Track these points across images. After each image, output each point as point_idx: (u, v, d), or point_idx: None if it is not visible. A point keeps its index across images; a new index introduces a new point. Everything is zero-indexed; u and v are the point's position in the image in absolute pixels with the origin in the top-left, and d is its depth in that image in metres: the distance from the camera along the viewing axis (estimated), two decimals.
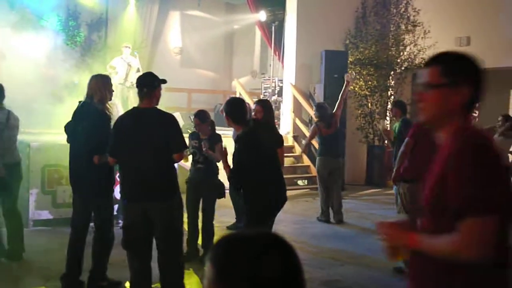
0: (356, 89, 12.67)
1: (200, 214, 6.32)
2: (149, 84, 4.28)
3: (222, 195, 6.36)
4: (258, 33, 16.00)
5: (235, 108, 4.64)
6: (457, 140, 1.93)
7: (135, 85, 4.53)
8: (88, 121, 4.88)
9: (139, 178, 4.17)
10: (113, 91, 5.25)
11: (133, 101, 11.33)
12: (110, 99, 5.16)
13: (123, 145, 4.23)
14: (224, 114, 4.60)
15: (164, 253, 4.33)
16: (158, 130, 4.22)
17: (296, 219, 8.59)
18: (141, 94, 4.26)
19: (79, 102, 5.14)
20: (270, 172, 4.59)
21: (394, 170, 6.16)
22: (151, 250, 4.39)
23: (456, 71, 1.99)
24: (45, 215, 7.54)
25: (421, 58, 12.78)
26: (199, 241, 6.31)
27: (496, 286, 1.89)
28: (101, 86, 5.03)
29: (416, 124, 5.93)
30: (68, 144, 5.27)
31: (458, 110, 2.00)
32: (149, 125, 4.23)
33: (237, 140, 4.55)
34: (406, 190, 5.94)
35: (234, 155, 4.47)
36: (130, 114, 4.37)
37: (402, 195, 6.07)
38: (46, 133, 9.30)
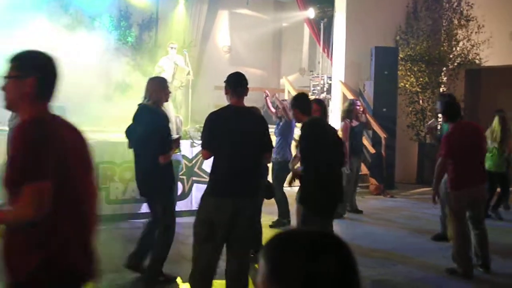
0: (407, 85, 12.45)
1: None
2: (244, 82, 4.42)
3: (270, 195, 6.36)
4: (306, 31, 15.93)
5: (304, 101, 5.11)
6: (18, 126, 2.42)
7: (182, 84, 4.66)
8: (147, 123, 5.04)
9: (238, 173, 4.21)
10: (170, 92, 5.39)
11: (182, 101, 11.48)
12: (167, 101, 5.34)
13: (222, 140, 4.25)
14: (292, 108, 4.98)
15: (239, 250, 4.32)
16: (256, 128, 4.38)
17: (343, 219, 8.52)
18: (235, 92, 4.37)
19: (138, 105, 5.26)
20: (333, 165, 4.95)
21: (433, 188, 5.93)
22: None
23: (23, 66, 2.52)
24: (99, 211, 7.70)
25: (475, 53, 12.45)
26: None
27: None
28: (156, 88, 5.19)
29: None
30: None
31: (26, 98, 2.47)
32: (249, 122, 4.37)
33: (303, 126, 4.92)
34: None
35: (300, 143, 4.80)
36: (228, 111, 4.39)
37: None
38: (99, 131, 9.53)
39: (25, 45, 9.22)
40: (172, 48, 11.69)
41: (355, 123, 8.70)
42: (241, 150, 4.23)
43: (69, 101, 10.51)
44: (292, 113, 5.21)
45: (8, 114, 5.74)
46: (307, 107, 5.12)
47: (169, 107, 7.15)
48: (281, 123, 7.93)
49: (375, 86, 11.71)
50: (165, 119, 5.17)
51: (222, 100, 4.65)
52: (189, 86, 11.50)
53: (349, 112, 8.74)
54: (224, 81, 4.45)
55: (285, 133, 7.87)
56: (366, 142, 11.79)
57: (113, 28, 13.13)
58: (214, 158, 4.35)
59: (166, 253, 5.25)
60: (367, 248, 6.69)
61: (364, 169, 11.55)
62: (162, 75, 11.24)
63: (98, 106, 10.77)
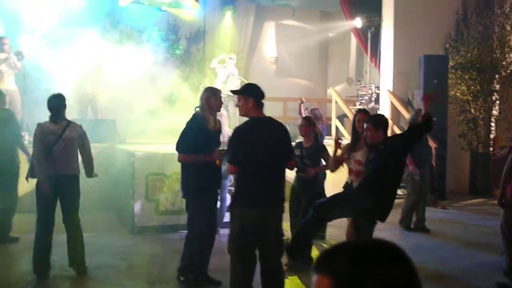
0: (458, 94, 12.18)
1: None
2: (262, 95, 4.48)
3: None
4: (353, 40, 15.82)
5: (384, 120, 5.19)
6: None
7: (228, 96, 4.77)
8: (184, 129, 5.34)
9: (265, 183, 4.29)
10: (222, 103, 5.50)
11: (234, 111, 11.54)
12: (218, 110, 5.48)
13: (249, 153, 4.33)
14: (371, 126, 4.97)
15: (270, 259, 4.37)
16: (280, 138, 4.45)
17: (393, 228, 8.36)
18: (259, 104, 4.43)
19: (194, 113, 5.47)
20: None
21: (500, 192, 5.71)
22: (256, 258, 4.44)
23: None
24: (149, 222, 7.84)
25: None
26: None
27: None
28: (203, 97, 5.36)
29: None
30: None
31: None
32: (273, 133, 4.44)
33: (388, 144, 4.97)
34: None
35: (379, 160, 4.86)
36: (252, 124, 4.46)
37: (502, 224, 5.67)
38: (148, 143, 9.71)
39: (78, 60, 9.54)
40: (230, 59, 11.80)
41: None
42: (267, 161, 4.30)
43: (120, 114, 10.83)
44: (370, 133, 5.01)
45: None
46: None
47: (222, 119, 7.22)
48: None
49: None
50: (196, 125, 5.30)
51: (269, 111, 4.67)
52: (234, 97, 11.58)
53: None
54: (242, 93, 4.51)
55: None
56: None
57: (162, 41, 13.39)
58: (241, 171, 4.41)
59: (190, 261, 5.38)
60: (417, 260, 6.53)
61: None
62: (216, 82, 11.39)
63: (147, 119, 10.98)
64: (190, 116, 5.47)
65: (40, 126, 5.82)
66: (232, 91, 4.63)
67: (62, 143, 5.70)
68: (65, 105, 5.89)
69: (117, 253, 6.72)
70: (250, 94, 4.44)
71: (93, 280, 5.72)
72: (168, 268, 5.81)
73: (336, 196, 5.45)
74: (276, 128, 4.50)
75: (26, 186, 8.27)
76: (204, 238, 5.43)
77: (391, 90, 12.13)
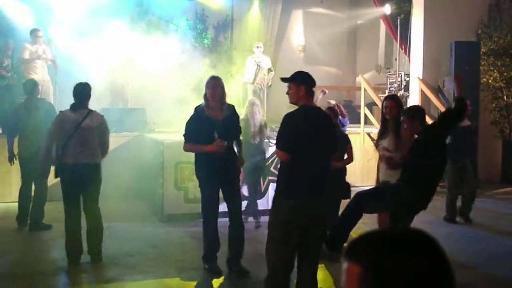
0: (490, 81, 11.94)
1: None
2: (313, 83, 4.38)
3: (348, 196, 6.29)
4: (382, 27, 15.63)
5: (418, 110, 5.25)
6: None
7: (265, 85, 4.71)
8: (193, 120, 5.62)
9: (314, 174, 4.20)
10: (215, 89, 5.51)
11: (263, 101, 11.52)
12: (212, 98, 5.49)
13: (301, 141, 4.19)
14: (406, 118, 5.07)
15: (311, 252, 4.30)
16: (328, 128, 4.35)
17: (425, 218, 8.25)
18: (310, 93, 4.33)
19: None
20: None
21: None
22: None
23: None
24: (178, 210, 7.91)
25: None
26: None
27: None
28: (205, 85, 5.60)
29: None
30: None
31: None
32: (323, 123, 4.34)
33: (424, 133, 4.98)
34: None
35: (418, 150, 4.87)
36: (305, 112, 4.31)
37: None
38: (178, 132, 9.75)
39: (107, 51, 9.65)
40: (257, 47, 11.76)
41: (466, 123, 7.98)
42: (317, 151, 4.20)
43: (150, 103, 10.92)
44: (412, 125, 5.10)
45: None
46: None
47: (253, 110, 7.23)
48: None
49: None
50: (194, 115, 5.58)
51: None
52: (264, 86, 11.55)
53: None
54: (293, 80, 4.35)
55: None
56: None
57: (190, 31, 13.42)
58: (292, 160, 4.24)
59: (207, 249, 5.58)
60: (449, 249, 6.47)
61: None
62: (245, 76, 11.40)
63: (176, 107, 11.04)
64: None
65: (61, 113, 5.91)
66: (282, 79, 4.47)
67: (80, 132, 5.71)
68: (88, 94, 5.91)
69: (147, 240, 6.81)
70: (301, 82, 4.31)
71: (124, 267, 5.81)
72: (197, 256, 5.86)
73: (376, 189, 5.42)
74: (324, 118, 4.41)
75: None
76: (229, 228, 5.56)
77: (421, 77, 11.95)
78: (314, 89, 4.40)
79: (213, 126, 5.34)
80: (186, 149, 5.61)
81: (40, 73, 10.35)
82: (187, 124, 5.52)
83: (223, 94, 5.56)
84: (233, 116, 5.65)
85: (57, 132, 5.76)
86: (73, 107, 5.83)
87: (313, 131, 4.21)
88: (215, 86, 5.48)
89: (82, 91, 5.87)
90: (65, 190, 5.80)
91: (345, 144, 6.33)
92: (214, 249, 5.62)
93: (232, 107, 5.68)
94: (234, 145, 5.71)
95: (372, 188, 5.41)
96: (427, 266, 1.13)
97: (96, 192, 5.95)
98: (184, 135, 5.53)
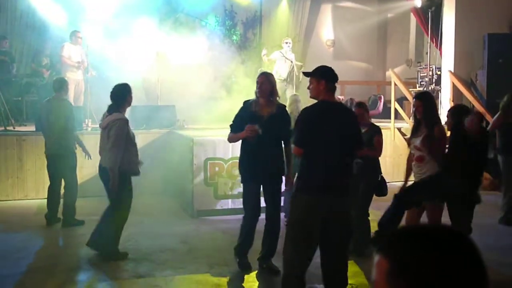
0: None
1: None
2: (335, 78, 4.31)
3: (383, 192, 6.15)
4: (413, 21, 15.42)
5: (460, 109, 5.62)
6: None
7: (294, 81, 4.69)
8: (240, 112, 5.61)
9: (332, 171, 4.12)
10: (263, 87, 5.41)
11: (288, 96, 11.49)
12: (262, 94, 5.42)
13: (317, 137, 4.16)
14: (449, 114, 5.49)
15: (333, 250, 4.23)
16: (350, 124, 4.26)
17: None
18: (332, 88, 4.28)
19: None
20: None
21: None
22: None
23: None
24: (208, 206, 7.95)
25: None
26: None
27: None
28: (256, 81, 5.52)
29: None
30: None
31: None
32: (343, 118, 4.26)
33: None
34: None
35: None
36: (323, 106, 4.28)
37: None
38: (208, 129, 9.82)
39: (137, 48, 9.71)
40: (286, 43, 11.71)
41: None
42: (335, 147, 4.12)
43: (179, 100, 10.99)
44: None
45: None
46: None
47: (298, 106, 7.21)
48: None
49: (488, 76, 11.08)
50: (242, 109, 5.54)
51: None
52: (293, 82, 11.52)
53: (509, 107, 7.65)
54: (314, 75, 4.30)
55: None
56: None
57: (218, 27, 13.45)
58: (306, 155, 4.22)
59: (240, 242, 5.62)
60: (482, 245, 6.34)
61: None
62: (274, 70, 11.36)
63: (205, 104, 11.09)
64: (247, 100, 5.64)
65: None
66: (304, 73, 4.46)
67: (101, 135, 5.94)
68: (123, 96, 5.87)
69: (178, 236, 6.86)
70: (322, 76, 4.26)
71: (155, 263, 5.86)
72: (227, 252, 5.88)
73: (417, 183, 5.37)
74: (345, 114, 4.33)
75: (88, 172, 8.59)
76: (265, 225, 5.57)
77: (453, 71, 11.75)
78: (337, 84, 4.36)
79: (257, 121, 5.29)
80: (228, 138, 5.70)
81: (76, 73, 10.57)
82: (235, 116, 5.59)
83: (272, 91, 5.45)
84: (283, 115, 5.52)
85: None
86: (108, 109, 5.96)
87: (330, 127, 4.14)
88: (263, 82, 5.41)
89: (116, 93, 5.89)
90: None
91: (373, 135, 6.13)
92: (246, 245, 5.62)
93: (282, 106, 5.63)
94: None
95: (418, 182, 5.38)
96: (458, 267, 1.11)
97: (109, 192, 5.95)
98: (230, 125, 5.61)
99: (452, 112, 5.59)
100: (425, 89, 11.86)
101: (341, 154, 4.16)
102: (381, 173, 6.24)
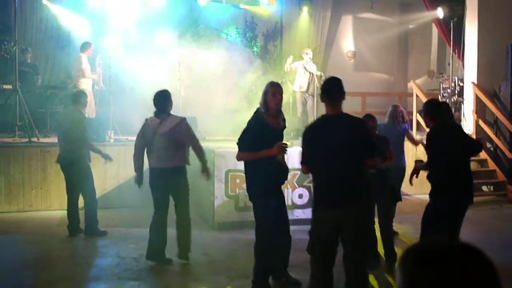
0: None
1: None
2: (337, 89, 4.29)
3: (398, 198, 6.25)
4: (435, 31, 15.32)
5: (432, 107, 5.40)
6: None
7: (314, 92, 4.68)
8: (255, 127, 5.18)
9: (338, 183, 4.16)
10: (277, 99, 5.16)
11: (312, 107, 11.47)
12: (276, 106, 5.17)
13: (319, 152, 4.22)
14: (423, 114, 5.28)
15: (351, 261, 4.24)
16: (353, 135, 4.22)
17: (480, 227, 8.02)
18: (329, 100, 4.27)
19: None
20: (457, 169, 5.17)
21: None
22: (335, 258, 4.31)
23: None
24: (229, 218, 7.95)
25: None
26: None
27: None
28: (265, 92, 5.18)
29: None
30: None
31: None
32: (345, 129, 4.22)
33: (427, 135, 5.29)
34: None
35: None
36: (322, 122, 4.35)
37: None
38: (229, 140, 9.83)
39: (159, 59, 9.79)
40: (307, 54, 11.71)
41: None
42: (339, 159, 4.13)
43: (201, 112, 11.05)
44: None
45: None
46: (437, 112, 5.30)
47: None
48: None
49: None
50: (256, 122, 5.14)
51: (348, 106, 4.55)
52: (314, 93, 11.50)
53: None
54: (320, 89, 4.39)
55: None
56: (502, 146, 11.07)
57: (239, 39, 13.52)
58: (312, 172, 4.35)
59: (263, 263, 5.18)
60: (504, 262, 6.24)
61: (501, 176, 10.85)
62: (296, 84, 11.36)
63: (226, 115, 11.13)
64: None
65: (144, 122, 6.13)
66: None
67: (158, 138, 5.93)
68: (167, 100, 6.09)
69: (199, 248, 6.86)
70: (321, 91, 4.33)
71: (176, 274, 5.88)
72: (248, 264, 5.85)
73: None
74: (350, 124, 4.26)
75: (111, 183, 8.66)
76: (276, 239, 5.28)
77: (476, 82, 11.64)
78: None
79: (275, 134, 5.14)
80: (242, 157, 5.19)
81: (88, 84, 10.74)
82: (246, 131, 5.13)
83: (281, 102, 5.29)
84: (284, 126, 5.46)
85: (139, 140, 6.04)
86: (155, 113, 6.07)
87: (331, 140, 4.16)
88: (278, 92, 5.16)
89: (160, 98, 6.08)
90: (154, 195, 6.10)
91: (384, 148, 6.08)
92: (273, 268, 5.40)
93: (284, 118, 5.50)
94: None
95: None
96: (474, 281, 1.12)
97: (182, 193, 6.18)
98: (239, 143, 5.15)
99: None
100: (447, 100, 11.76)
101: (346, 165, 4.15)
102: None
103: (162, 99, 6.07)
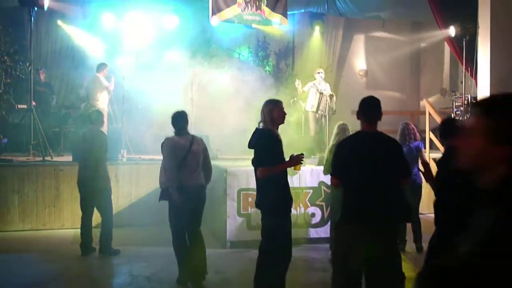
0: None
1: None
2: (375, 106, 4.35)
3: (408, 218, 6.17)
4: (447, 50, 15.31)
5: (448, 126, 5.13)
6: None
7: (327, 112, 4.70)
8: (256, 142, 5.17)
9: (370, 200, 4.12)
10: (285, 113, 5.27)
11: (325, 126, 11.46)
12: (282, 122, 5.23)
13: (353, 167, 4.20)
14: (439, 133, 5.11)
15: (379, 281, 4.16)
16: (388, 153, 4.25)
17: None
18: (366, 117, 4.32)
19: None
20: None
21: None
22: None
23: None
24: (241, 237, 7.92)
25: None
26: None
27: None
28: (265, 111, 5.20)
29: None
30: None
31: None
32: (380, 147, 4.25)
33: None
34: None
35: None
36: (358, 137, 4.38)
37: None
38: (241, 159, 9.85)
39: (170, 79, 9.79)
40: (319, 73, 11.74)
41: None
42: (372, 177, 4.12)
43: (213, 130, 11.09)
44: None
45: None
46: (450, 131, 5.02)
47: (347, 135, 7.12)
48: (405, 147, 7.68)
49: None
50: (267, 137, 5.13)
51: (359, 125, 4.56)
52: (326, 112, 11.50)
53: None
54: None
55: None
56: None
57: (252, 58, 13.59)
58: (345, 186, 4.29)
59: (270, 279, 5.15)
60: None
61: None
62: (308, 104, 11.37)
63: (238, 134, 11.13)
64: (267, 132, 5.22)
65: (169, 140, 6.08)
66: None
67: (191, 156, 5.98)
68: (187, 120, 6.20)
69: (211, 266, 6.82)
70: (360, 109, 4.36)
71: None
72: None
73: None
74: (383, 143, 4.29)
75: (123, 201, 8.69)
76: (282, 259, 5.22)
77: None
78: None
79: (282, 148, 5.20)
80: (268, 172, 5.05)
81: (105, 103, 10.86)
82: (266, 147, 5.09)
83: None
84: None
85: (171, 158, 5.99)
86: (177, 133, 6.10)
87: (364, 157, 4.16)
88: (282, 108, 5.26)
89: (181, 119, 6.15)
90: (173, 213, 6.02)
91: None
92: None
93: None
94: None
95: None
96: None
97: (201, 213, 6.17)
98: (259, 160, 5.10)
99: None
100: (460, 118, 11.70)
101: (379, 183, 4.13)
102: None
103: (182, 119, 6.15)
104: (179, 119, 6.12)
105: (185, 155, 5.95)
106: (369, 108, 4.33)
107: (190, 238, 6.11)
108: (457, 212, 3.77)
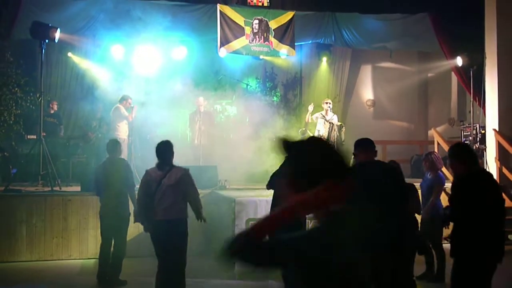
0: None
1: None
2: (374, 146, 4.82)
3: (422, 250, 6.06)
4: (454, 79, 15.35)
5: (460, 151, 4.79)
6: None
7: (336, 142, 4.90)
8: None
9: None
10: None
11: None
12: None
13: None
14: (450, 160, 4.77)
15: None
16: (388, 181, 4.39)
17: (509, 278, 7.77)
18: (367, 151, 4.70)
19: None
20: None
21: None
22: None
23: None
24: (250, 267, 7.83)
25: None
26: None
27: None
28: None
29: None
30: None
31: None
32: (381, 177, 4.42)
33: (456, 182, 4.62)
34: None
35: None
36: (362, 165, 4.62)
37: None
38: (249, 189, 9.83)
39: (180, 108, 9.88)
40: (326, 103, 11.79)
41: None
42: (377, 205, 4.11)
43: (220, 160, 11.10)
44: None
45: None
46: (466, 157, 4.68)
47: None
48: (428, 176, 7.64)
49: None
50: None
51: None
52: (334, 142, 11.51)
53: None
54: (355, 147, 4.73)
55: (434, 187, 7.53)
56: None
57: (260, 88, 13.67)
58: None
59: None
60: None
61: None
62: (316, 131, 11.40)
63: (246, 164, 11.14)
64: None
65: (146, 173, 6.10)
66: None
67: (161, 190, 5.90)
68: (170, 152, 6.10)
69: None
70: (356, 146, 4.72)
71: None
72: None
73: None
74: (382, 172, 4.49)
75: (131, 231, 8.63)
76: None
77: (497, 129, 11.55)
78: None
79: None
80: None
81: (125, 133, 10.93)
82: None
83: None
84: None
85: (142, 192, 6.03)
86: (157, 165, 6.06)
87: (366, 187, 4.15)
88: None
89: (163, 149, 6.08)
90: (154, 245, 6.01)
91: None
92: None
93: None
94: None
95: None
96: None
97: (177, 246, 5.98)
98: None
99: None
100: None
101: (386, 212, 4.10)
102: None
103: (166, 150, 6.07)
104: (160, 151, 6.06)
105: (156, 189, 5.90)
106: (366, 145, 4.80)
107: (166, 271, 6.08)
108: None
